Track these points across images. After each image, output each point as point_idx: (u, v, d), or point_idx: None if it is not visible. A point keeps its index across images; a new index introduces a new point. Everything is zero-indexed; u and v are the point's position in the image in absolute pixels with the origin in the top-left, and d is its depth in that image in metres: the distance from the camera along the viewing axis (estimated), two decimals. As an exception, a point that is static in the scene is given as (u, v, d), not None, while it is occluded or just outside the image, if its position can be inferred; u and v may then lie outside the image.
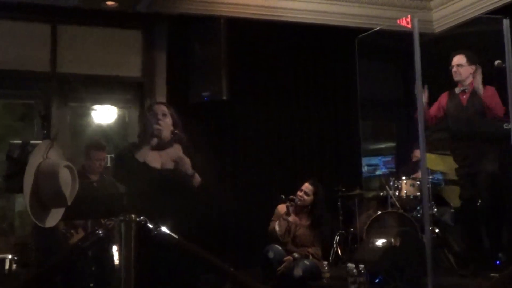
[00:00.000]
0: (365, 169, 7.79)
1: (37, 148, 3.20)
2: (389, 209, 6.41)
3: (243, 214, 6.98)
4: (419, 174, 6.31)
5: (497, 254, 5.30)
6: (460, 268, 5.66)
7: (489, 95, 5.24)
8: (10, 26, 6.53)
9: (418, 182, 6.41)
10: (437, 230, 6.09)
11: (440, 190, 6.71)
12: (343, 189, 7.10)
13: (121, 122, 7.48)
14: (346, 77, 7.54)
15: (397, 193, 6.51)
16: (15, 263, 5.28)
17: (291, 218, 5.58)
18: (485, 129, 5.22)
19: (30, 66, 6.56)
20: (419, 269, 4.64)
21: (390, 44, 6.58)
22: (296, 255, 5.39)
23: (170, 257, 3.26)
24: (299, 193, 5.61)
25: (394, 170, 7.78)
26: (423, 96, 5.17)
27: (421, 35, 4.59)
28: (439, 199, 6.61)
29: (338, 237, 6.95)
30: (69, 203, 3.15)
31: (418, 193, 6.39)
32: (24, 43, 6.53)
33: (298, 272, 5.21)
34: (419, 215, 6.24)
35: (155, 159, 3.79)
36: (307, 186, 5.62)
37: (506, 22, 4.54)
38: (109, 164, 6.57)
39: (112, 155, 7.26)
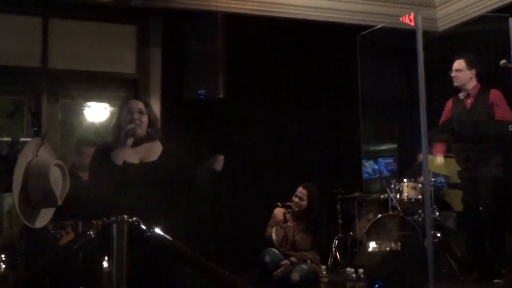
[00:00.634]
0: (366, 170, 7.80)
1: (27, 146, 3.20)
2: (390, 213, 6.42)
3: (239, 216, 6.99)
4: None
5: (500, 260, 5.30)
6: (462, 274, 5.67)
7: (495, 97, 5.24)
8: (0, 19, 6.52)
9: (420, 185, 6.42)
10: (439, 235, 6.10)
11: (443, 193, 6.72)
12: (343, 192, 7.11)
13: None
14: (347, 76, 7.55)
15: (398, 196, 6.51)
16: (3, 265, 5.27)
17: (289, 223, 5.59)
18: (489, 131, 5.22)
19: (20, 61, 6.55)
20: (420, 275, 4.65)
21: (393, 42, 6.59)
22: (293, 259, 5.40)
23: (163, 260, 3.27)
24: (294, 199, 5.62)
25: (396, 172, 7.79)
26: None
27: (425, 33, 4.59)
28: (442, 203, 6.62)
29: (337, 241, 6.96)
30: (59, 203, 3.15)
31: (420, 196, 6.40)
32: (14, 37, 6.52)
33: (295, 276, 5.22)
34: (420, 219, 6.25)
35: (132, 156, 3.73)
36: (300, 191, 5.63)
37: (512, 20, 4.56)
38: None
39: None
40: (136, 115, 3.78)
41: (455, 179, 6.61)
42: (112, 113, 7.52)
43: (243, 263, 6.03)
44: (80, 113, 7.47)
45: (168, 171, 3.68)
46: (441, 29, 7.65)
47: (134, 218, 2.22)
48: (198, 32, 6.86)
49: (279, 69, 7.54)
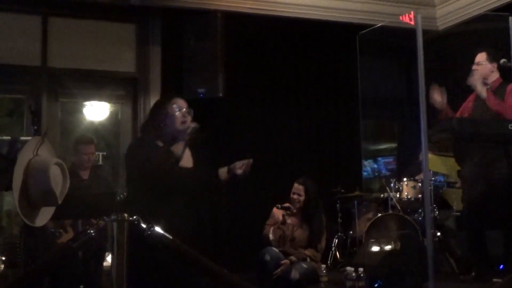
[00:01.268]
0: (366, 170, 7.80)
1: (27, 145, 3.21)
2: (390, 212, 6.43)
3: (238, 215, 6.99)
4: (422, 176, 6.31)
5: (504, 259, 5.29)
6: (462, 272, 5.68)
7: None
8: (-1, 18, 6.53)
9: (420, 184, 6.42)
10: (439, 234, 6.10)
11: (443, 192, 6.73)
12: (342, 191, 7.12)
13: (114, 119, 7.48)
14: (347, 75, 7.56)
15: (398, 195, 6.52)
16: (2, 264, 5.28)
17: (289, 220, 5.59)
18: (489, 131, 5.22)
19: (20, 60, 6.55)
20: (420, 274, 4.66)
21: (393, 41, 6.60)
22: (293, 258, 5.40)
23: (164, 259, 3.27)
24: (292, 196, 5.63)
25: (395, 171, 7.80)
26: (441, 96, 5.18)
27: (425, 32, 4.60)
28: (442, 202, 6.63)
29: (336, 240, 6.97)
30: (59, 202, 3.16)
31: (420, 195, 6.41)
32: (13, 35, 6.52)
33: (295, 275, 5.23)
34: (420, 218, 6.25)
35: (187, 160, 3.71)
36: (296, 187, 5.65)
37: (512, 19, 4.56)
38: (100, 162, 6.59)
39: (104, 153, 7.29)
40: (186, 114, 3.75)
41: (454, 178, 6.63)
42: (111, 112, 7.53)
43: (243, 262, 6.04)
44: (80, 111, 7.48)
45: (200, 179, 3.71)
46: (441, 28, 7.65)
47: (135, 217, 2.23)
48: (198, 31, 6.86)
49: (279, 68, 7.54)
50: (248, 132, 7.31)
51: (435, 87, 5.21)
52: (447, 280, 5.51)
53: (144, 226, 2.24)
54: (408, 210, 6.46)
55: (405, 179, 6.57)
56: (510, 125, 4.81)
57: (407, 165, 7.30)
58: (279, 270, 5.33)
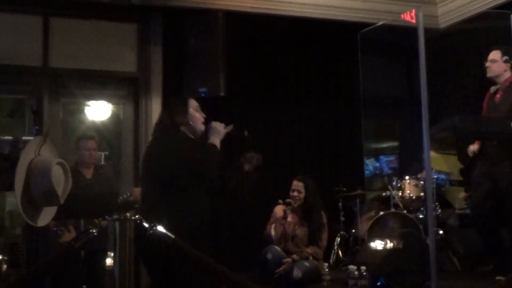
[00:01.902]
0: (368, 168, 7.80)
1: (29, 145, 3.20)
2: (392, 210, 6.43)
3: (240, 214, 6.99)
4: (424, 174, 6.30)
5: None
6: (465, 271, 5.68)
7: None
8: (0, 18, 6.52)
9: (422, 182, 6.42)
10: (441, 232, 6.10)
11: (445, 191, 6.73)
12: (344, 189, 7.12)
13: (115, 119, 7.48)
14: (348, 74, 7.55)
15: (400, 194, 6.52)
16: (5, 264, 5.28)
17: (289, 217, 5.60)
18: (490, 129, 5.21)
19: (21, 60, 6.56)
20: (423, 272, 4.66)
21: (394, 40, 6.60)
22: (295, 257, 5.40)
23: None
24: (292, 193, 5.63)
25: (397, 169, 7.79)
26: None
27: (426, 30, 4.58)
28: (444, 200, 6.63)
29: (339, 239, 6.98)
30: (61, 202, 3.16)
31: (422, 194, 6.41)
32: (14, 36, 6.53)
33: (297, 274, 5.23)
34: (422, 216, 6.25)
35: None
36: (296, 184, 5.66)
37: (514, 17, 4.55)
38: (102, 162, 6.59)
39: (107, 153, 7.28)
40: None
41: (457, 176, 6.63)
42: (112, 112, 7.53)
43: (245, 261, 6.05)
44: (81, 111, 7.48)
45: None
46: (442, 26, 7.64)
47: (137, 216, 2.23)
48: (199, 30, 6.86)
49: (280, 67, 7.54)
50: (249, 131, 7.28)
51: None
52: (449, 278, 5.51)
53: (146, 225, 2.24)
54: (410, 208, 6.46)
55: (407, 177, 6.58)
56: (511, 123, 4.80)
57: (409, 163, 7.29)
58: (281, 268, 5.33)
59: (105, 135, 7.62)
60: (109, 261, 5.24)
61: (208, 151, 3.69)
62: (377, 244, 5.46)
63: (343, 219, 7.07)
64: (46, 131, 4.17)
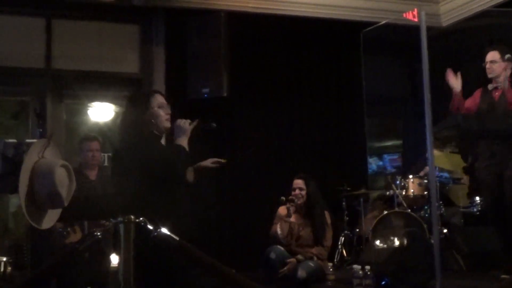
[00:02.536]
0: (371, 167, 7.80)
1: (33, 147, 3.21)
2: (396, 209, 6.42)
3: (243, 214, 7.00)
4: (426, 169, 6.28)
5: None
6: (469, 270, 5.67)
7: None
8: (3, 20, 6.53)
9: (426, 181, 6.41)
10: (445, 231, 6.09)
11: (448, 189, 6.72)
12: (348, 189, 7.11)
13: (119, 120, 7.48)
14: (351, 73, 7.53)
15: (404, 193, 6.51)
16: (10, 266, 5.29)
17: (293, 218, 5.59)
18: (494, 126, 5.21)
19: (24, 62, 6.57)
20: (427, 271, 4.65)
21: (396, 38, 6.59)
22: (300, 257, 5.40)
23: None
24: (294, 192, 5.63)
25: (401, 168, 7.79)
26: (458, 81, 5.16)
27: (428, 29, 4.58)
28: (447, 199, 6.62)
29: (343, 238, 6.97)
30: (66, 204, 3.16)
31: (426, 192, 6.40)
32: (17, 38, 6.53)
33: (302, 274, 5.22)
34: (426, 215, 6.24)
35: None
36: (298, 183, 5.66)
37: (516, 15, 4.54)
38: (106, 163, 6.59)
39: (110, 154, 7.28)
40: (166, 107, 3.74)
41: (460, 174, 6.62)
42: (116, 113, 7.53)
43: (249, 261, 6.05)
44: (84, 113, 7.49)
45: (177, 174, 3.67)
46: (444, 24, 7.62)
47: (141, 218, 2.23)
48: (201, 31, 6.86)
49: (283, 66, 7.53)
50: (252, 131, 7.31)
51: (450, 71, 5.22)
52: (454, 277, 5.50)
53: (150, 227, 2.24)
54: (414, 207, 6.45)
55: (410, 176, 6.56)
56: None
57: (412, 163, 7.28)
58: (285, 268, 5.33)
59: (109, 136, 7.62)
60: (113, 263, 5.24)
61: (175, 152, 3.58)
62: (381, 243, 5.45)
63: (347, 218, 7.06)
64: (49, 134, 4.17)
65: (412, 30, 4.71)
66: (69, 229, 5.23)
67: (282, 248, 5.47)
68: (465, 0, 7.31)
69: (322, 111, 7.71)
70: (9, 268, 5.28)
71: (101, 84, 6.95)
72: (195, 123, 3.77)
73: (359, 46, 5.95)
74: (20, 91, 6.93)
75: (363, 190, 7.03)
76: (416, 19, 4.56)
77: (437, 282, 4.31)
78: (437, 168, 6.21)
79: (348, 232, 7.02)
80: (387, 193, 6.83)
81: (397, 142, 8.44)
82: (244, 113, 7.28)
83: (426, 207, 6.38)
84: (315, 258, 5.46)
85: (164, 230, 2.26)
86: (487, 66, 5.29)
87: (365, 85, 6.41)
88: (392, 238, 5.39)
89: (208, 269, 2.48)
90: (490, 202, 5.44)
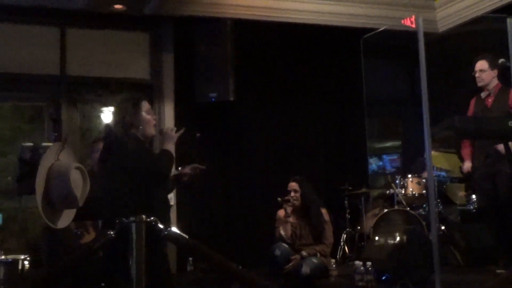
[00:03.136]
0: (372, 167, 7.78)
1: (49, 151, 3.22)
2: (396, 207, 6.40)
3: (249, 213, 7.00)
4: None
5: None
6: (467, 265, 5.64)
7: None
8: (20, 30, 6.57)
9: (424, 180, 6.39)
10: (443, 228, 6.08)
11: (446, 188, 6.70)
12: (350, 188, 7.10)
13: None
14: (352, 77, 7.53)
15: (403, 191, 6.49)
16: (27, 264, 5.29)
17: (292, 219, 5.59)
18: (490, 127, 5.19)
19: (40, 69, 6.60)
20: (426, 267, 4.64)
21: (395, 44, 6.57)
22: (304, 253, 5.39)
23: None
24: (290, 195, 5.62)
25: (400, 168, 7.77)
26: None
27: (425, 34, 4.57)
28: (445, 197, 6.60)
29: (345, 235, 6.96)
30: (80, 204, 3.17)
31: (424, 191, 6.38)
32: (34, 46, 6.57)
33: (306, 270, 5.20)
34: (425, 212, 6.23)
35: None
36: (292, 185, 5.65)
37: (510, 21, 4.51)
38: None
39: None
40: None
41: (457, 174, 6.60)
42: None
43: (255, 258, 6.05)
44: (97, 117, 7.50)
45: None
46: (441, 30, 7.61)
47: (152, 218, 2.23)
48: (208, 38, 6.88)
49: (287, 71, 7.53)
50: (258, 133, 7.31)
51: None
52: (452, 272, 5.48)
53: (161, 226, 2.24)
54: (413, 206, 6.43)
55: (409, 175, 6.55)
56: (510, 122, 4.78)
57: (411, 162, 7.26)
58: (290, 265, 5.32)
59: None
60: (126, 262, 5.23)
61: (163, 156, 3.59)
62: (382, 240, 5.44)
63: (349, 216, 7.05)
64: (64, 137, 4.17)
65: (410, 35, 4.70)
66: (83, 230, 5.23)
67: (286, 246, 5.46)
68: (461, 6, 7.31)
69: (325, 113, 7.70)
70: (26, 266, 5.30)
71: (113, 89, 6.97)
72: (181, 131, 3.78)
73: (360, 51, 5.96)
74: (36, 96, 6.96)
75: (364, 189, 7.02)
76: (414, 25, 4.55)
77: (436, 277, 4.29)
78: (435, 168, 6.19)
79: (350, 230, 7.00)
80: (387, 192, 6.82)
81: (397, 143, 8.42)
82: (250, 115, 7.28)
83: (424, 205, 6.36)
84: (318, 255, 5.44)
85: (174, 229, 2.25)
86: (477, 75, 5.35)
87: (366, 88, 6.42)
88: (392, 235, 5.38)
89: (216, 266, 2.48)
90: (484, 200, 5.42)
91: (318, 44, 7.59)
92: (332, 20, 7.25)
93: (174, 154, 3.65)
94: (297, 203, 5.59)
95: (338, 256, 6.75)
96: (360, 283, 4.98)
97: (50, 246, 4.86)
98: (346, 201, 7.06)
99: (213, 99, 6.79)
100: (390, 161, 8.17)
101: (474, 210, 6.28)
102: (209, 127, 6.99)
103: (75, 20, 6.68)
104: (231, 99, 6.78)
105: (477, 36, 6.81)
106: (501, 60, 5.09)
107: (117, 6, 6.43)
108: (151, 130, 3.69)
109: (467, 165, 5.53)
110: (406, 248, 5.17)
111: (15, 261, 5.31)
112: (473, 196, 6.29)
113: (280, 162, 7.29)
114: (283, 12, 7.09)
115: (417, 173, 6.57)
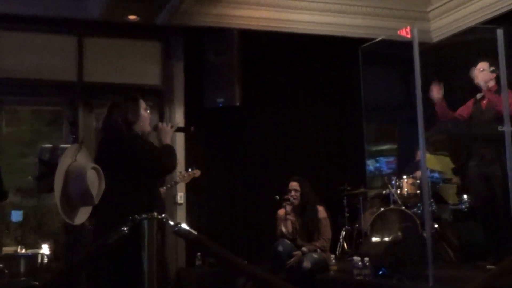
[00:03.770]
0: (369, 169, 7.77)
1: (66, 152, 3.23)
2: (392, 206, 6.39)
3: (253, 211, 7.02)
4: (419, 173, 6.29)
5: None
6: (459, 261, 5.63)
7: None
8: (41, 39, 6.60)
9: (418, 181, 6.38)
10: (436, 226, 6.06)
11: (439, 188, 6.69)
12: (348, 188, 7.10)
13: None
14: (351, 84, 7.53)
15: (398, 191, 6.48)
16: (46, 258, 5.31)
17: (292, 217, 5.58)
18: (480, 131, 5.18)
19: (59, 76, 6.62)
20: (420, 262, 4.63)
21: (392, 53, 6.57)
22: (305, 249, 5.39)
23: None
24: (290, 194, 5.61)
25: (396, 169, 7.76)
26: (438, 92, 5.17)
27: (420, 44, 4.58)
28: (438, 197, 6.58)
29: (344, 233, 6.96)
30: (96, 202, 3.17)
31: (419, 191, 6.36)
32: (53, 54, 6.59)
33: (307, 264, 5.22)
34: (419, 211, 6.21)
35: None
36: (292, 185, 5.65)
37: (500, 31, 4.52)
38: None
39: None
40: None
41: (449, 175, 6.59)
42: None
43: (259, 254, 6.06)
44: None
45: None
46: (434, 40, 7.62)
47: (163, 215, 2.22)
48: (216, 47, 6.90)
49: (290, 78, 7.54)
50: (262, 136, 7.33)
51: (435, 83, 5.22)
52: (444, 267, 5.47)
53: (172, 223, 2.24)
54: (408, 205, 6.41)
55: (404, 176, 6.53)
56: (499, 126, 4.77)
57: (407, 164, 7.26)
58: (292, 260, 5.33)
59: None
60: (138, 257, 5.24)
61: (166, 150, 3.54)
62: (379, 237, 5.43)
63: (348, 215, 7.04)
64: (81, 139, 4.19)
65: (405, 45, 4.71)
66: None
67: (288, 242, 5.47)
68: (453, 18, 7.31)
69: (325, 118, 7.71)
70: (46, 260, 5.32)
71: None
72: (176, 126, 3.77)
73: (358, 59, 5.95)
74: (55, 101, 6.99)
75: (362, 189, 7.02)
76: (409, 36, 4.56)
77: (429, 272, 4.29)
78: (428, 169, 6.18)
79: (349, 227, 7.00)
80: (384, 192, 6.80)
81: (393, 146, 8.41)
82: (254, 119, 7.30)
83: (419, 205, 6.34)
84: (318, 250, 5.45)
85: (184, 225, 2.25)
86: (476, 73, 5.26)
87: (364, 94, 6.40)
88: (388, 232, 5.38)
89: (223, 260, 2.48)
90: (478, 200, 5.40)
91: (319, 53, 7.60)
92: (332, 31, 7.26)
93: (174, 149, 3.64)
94: (296, 202, 5.59)
95: (337, 252, 6.76)
96: (358, 277, 4.98)
97: (68, 242, 4.88)
98: (345, 201, 7.07)
99: (220, 104, 6.81)
100: (386, 163, 8.16)
101: (465, 210, 6.27)
102: (217, 130, 7.01)
103: (91, 29, 6.71)
104: (237, 104, 6.80)
105: (469, 46, 6.80)
106: (491, 68, 5.09)
107: (131, 17, 6.46)
108: (148, 127, 3.64)
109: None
110: (402, 244, 5.17)
111: (35, 255, 5.34)
112: (465, 196, 6.28)
113: (283, 163, 7.30)
114: (286, 23, 7.11)
115: (410, 173, 6.57)
